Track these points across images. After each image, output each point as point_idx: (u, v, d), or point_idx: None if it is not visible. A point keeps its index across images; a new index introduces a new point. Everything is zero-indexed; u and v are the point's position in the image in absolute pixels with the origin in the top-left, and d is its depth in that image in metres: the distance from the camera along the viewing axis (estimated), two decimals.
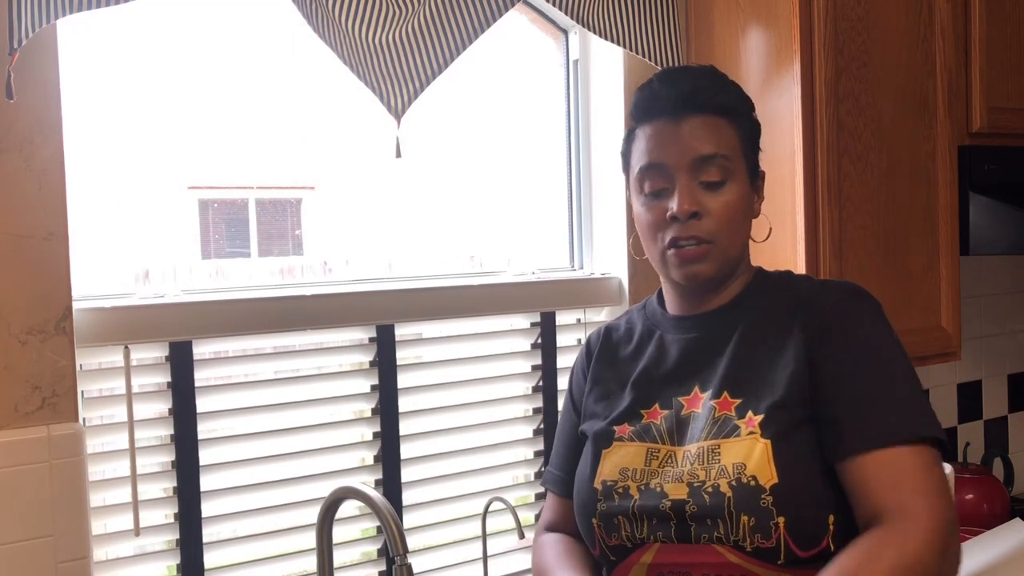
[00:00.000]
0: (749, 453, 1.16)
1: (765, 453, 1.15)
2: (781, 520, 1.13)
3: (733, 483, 1.15)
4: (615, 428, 1.29)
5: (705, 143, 1.23)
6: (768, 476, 1.14)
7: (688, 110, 1.24)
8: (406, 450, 1.84)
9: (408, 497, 1.84)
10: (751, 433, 1.17)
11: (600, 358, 1.40)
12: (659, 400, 1.28)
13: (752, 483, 1.14)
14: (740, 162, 1.26)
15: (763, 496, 1.14)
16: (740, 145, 1.26)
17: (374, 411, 1.81)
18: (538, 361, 2.00)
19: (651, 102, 1.27)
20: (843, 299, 1.24)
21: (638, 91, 1.31)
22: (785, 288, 1.30)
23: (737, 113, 1.28)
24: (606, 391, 1.36)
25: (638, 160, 1.28)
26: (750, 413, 1.19)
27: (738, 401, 1.21)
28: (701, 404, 1.24)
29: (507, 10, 1.75)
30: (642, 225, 1.29)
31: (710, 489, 1.17)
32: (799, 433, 1.18)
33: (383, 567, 1.81)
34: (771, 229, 1.41)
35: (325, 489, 1.63)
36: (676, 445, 1.23)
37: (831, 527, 1.15)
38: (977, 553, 1.86)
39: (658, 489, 1.21)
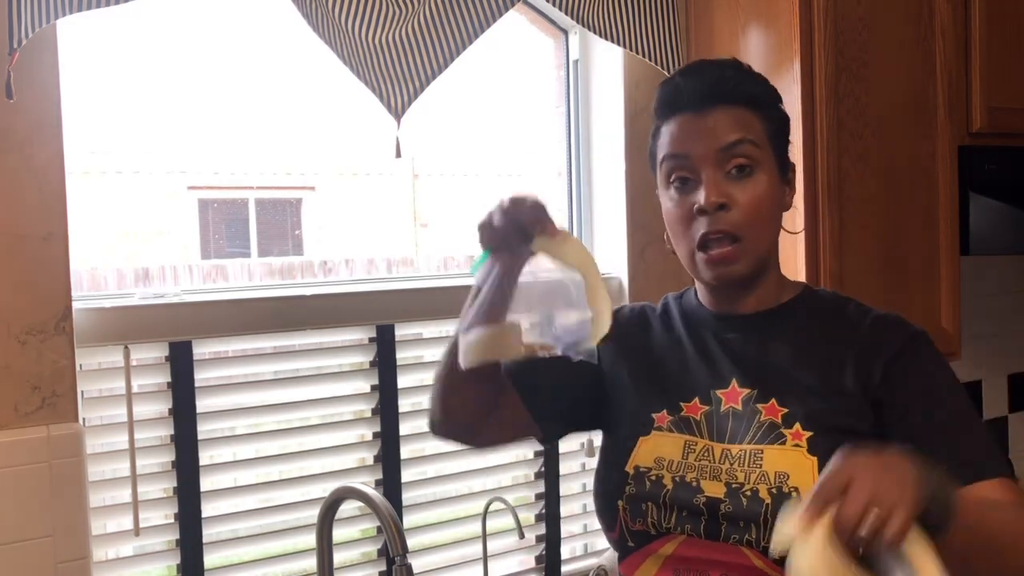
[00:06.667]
0: (794, 465, 1.16)
1: (811, 469, 1.15)
2: None
3: (773, 490, 1.15)
4: (654, 416, 1.28)
5: (730, 131, 1.20)
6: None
7: (712, 102, 1.21)
8: (406, 450, 1.84)
9: (408, 497, 1.84)
10: (797, 446, 1.17)
11: (630, 331, 1.37)
12: (699, 395, 1.27)
13: (794, 494, 1.14)
14: (767, 151, 1.23)
15: None
16: (767, 135, 1.24)
17: (374, 411, 1.81)
18: None
19: (674, 96, 1.24)
20: (911, 337, 1.23)
21: (660, 86, 1.27)
22: (838, 309, 1.29)
23: (763, 104, 1.24)
24: (639, 367, 1.33)
25: (662, 151, 1.25)
26: (798, 426, 1.18)
27: (785, 411, 1.20)
28: (740, 400, 1.24)
29: (507, 10, 1.75)
30: (670, 220, 1.26)
31: (748, 493, 1.16)
32: None
33: (383, 567, 1.81)
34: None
35: (325, 489, 1.63)
36: (715, 441, 1.23)
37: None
38: None
39: (694, 484, 1.20)
